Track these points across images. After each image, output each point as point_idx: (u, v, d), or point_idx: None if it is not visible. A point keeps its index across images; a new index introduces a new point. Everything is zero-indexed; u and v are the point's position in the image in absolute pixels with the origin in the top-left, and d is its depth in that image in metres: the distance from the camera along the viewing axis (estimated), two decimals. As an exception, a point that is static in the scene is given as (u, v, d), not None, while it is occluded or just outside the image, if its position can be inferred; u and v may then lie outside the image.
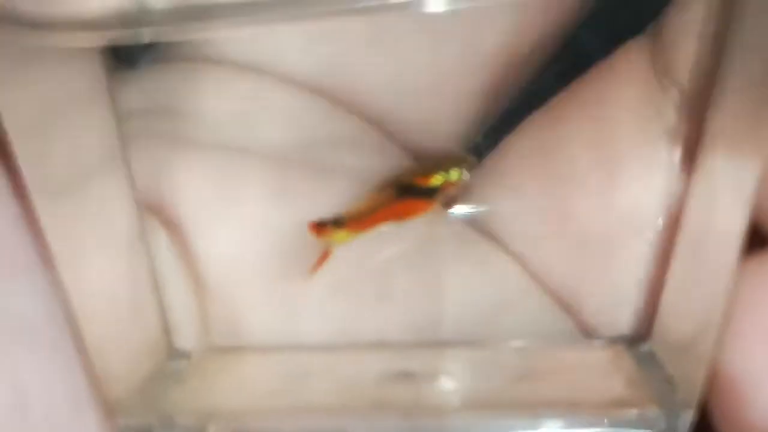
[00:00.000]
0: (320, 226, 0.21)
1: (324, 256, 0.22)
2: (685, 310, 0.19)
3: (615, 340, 0.21)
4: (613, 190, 0.21)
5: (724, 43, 0.18)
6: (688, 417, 0.18)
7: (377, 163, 0.23)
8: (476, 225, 0.22)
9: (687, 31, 0.19)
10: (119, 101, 0.22)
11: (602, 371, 0.20)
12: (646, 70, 0.20)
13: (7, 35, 0.17)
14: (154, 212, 0.22)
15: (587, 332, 0.22)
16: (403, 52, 0.21)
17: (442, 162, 0.22)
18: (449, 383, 0.21)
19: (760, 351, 0.15)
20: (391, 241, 0.22)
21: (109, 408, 0.20)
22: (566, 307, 0.22)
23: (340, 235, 0.21)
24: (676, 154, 0.20)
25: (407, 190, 0.22)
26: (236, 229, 0.22)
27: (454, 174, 0.21)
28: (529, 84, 0.22)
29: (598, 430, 0.19)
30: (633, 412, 0.19)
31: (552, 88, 0.21)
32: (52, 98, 0.19)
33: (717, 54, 0.18)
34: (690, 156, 0.20)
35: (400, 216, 0.22)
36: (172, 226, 0.22)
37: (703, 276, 0.19)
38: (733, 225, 0.17)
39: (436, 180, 0.21)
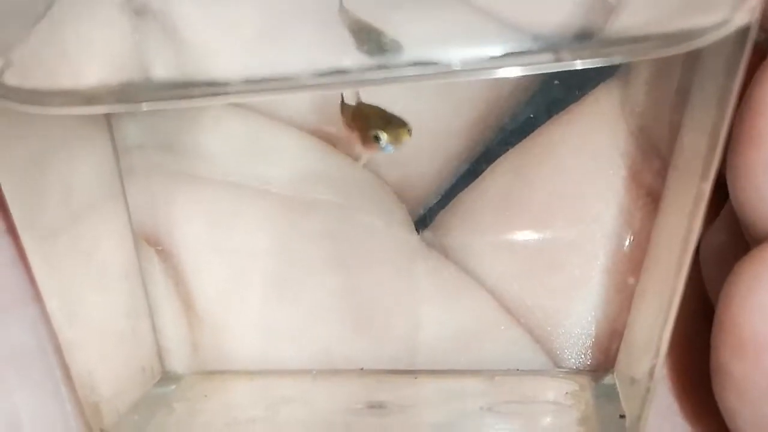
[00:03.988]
0: None
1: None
2: (635, 340, 0.20)
3: (582, 372, 0.22)
4: (577, 230, 0.22)
5: (687, 93, 0.18)
6: None
7: (366, 202, 0.24)
8: (452, 259, 0.23)
9: (654, 78, 0.20)
10: (118, 136, 0.23)
11: (560, 405, 0.21)
12: (614, 113, 0.21)
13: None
14: (150, 242, 0.24)
15: (557, 363, 0.23)
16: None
17: (374, 118, 0.21)
18: (419, 414, 0.21)
19: None
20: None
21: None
22: (537, 338, 0.23)
23: None
24: (640, 194, 0.21)
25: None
26: (227, 259, 0.24)
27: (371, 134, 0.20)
28: (502, 125, 0.23)
29: None
30: None
31: (523, 131, 0.22)
32: (47, 140, 0.20)
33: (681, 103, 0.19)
34: (652, 196, 0.21)
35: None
36: (167, 255, 0.24)
37: (648, 307, 0.19)
38: (677, 258, 0.18)
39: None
